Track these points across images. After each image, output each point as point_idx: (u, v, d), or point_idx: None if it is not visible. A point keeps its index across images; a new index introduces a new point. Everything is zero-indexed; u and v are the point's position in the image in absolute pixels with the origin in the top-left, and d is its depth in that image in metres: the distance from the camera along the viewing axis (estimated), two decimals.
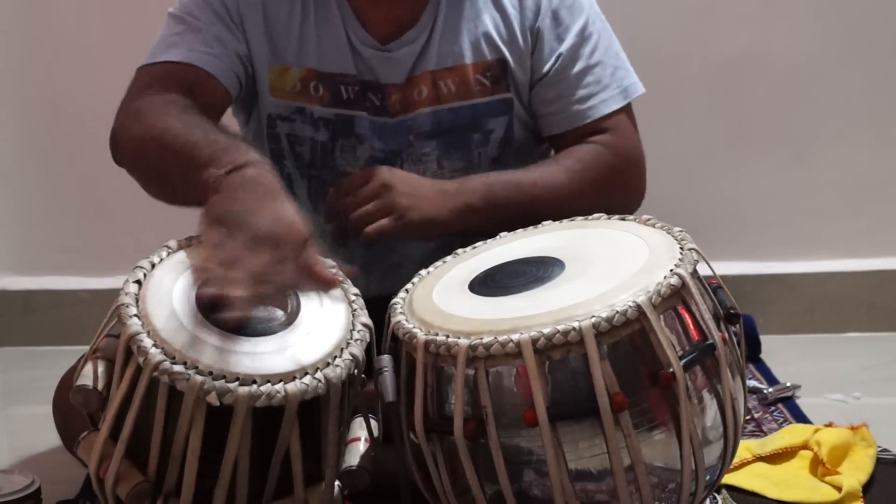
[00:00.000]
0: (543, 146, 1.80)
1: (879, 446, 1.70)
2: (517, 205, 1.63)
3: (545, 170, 1.69)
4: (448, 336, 1.21)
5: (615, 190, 1.70)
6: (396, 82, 1.69)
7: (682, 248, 1.28)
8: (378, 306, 1.35)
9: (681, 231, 1.32)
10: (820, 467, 1.63)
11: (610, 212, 1.43)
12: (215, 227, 1.28)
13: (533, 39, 1.71)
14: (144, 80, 1.62)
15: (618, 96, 1.73)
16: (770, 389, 2.06)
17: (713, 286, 1.31)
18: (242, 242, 1.25)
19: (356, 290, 1.35)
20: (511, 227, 1.46)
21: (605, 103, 1.72)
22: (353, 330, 1.29)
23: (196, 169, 1.38)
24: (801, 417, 1.95)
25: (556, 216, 1.46)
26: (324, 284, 1.31)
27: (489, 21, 1.70)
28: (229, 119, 1.79)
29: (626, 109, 1.75)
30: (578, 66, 1.72)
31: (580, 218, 1.43)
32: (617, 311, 1.17)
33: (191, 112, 1.53)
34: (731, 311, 1.29)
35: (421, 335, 1.23)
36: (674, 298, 1.22)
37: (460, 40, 1.69)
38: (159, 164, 1.48)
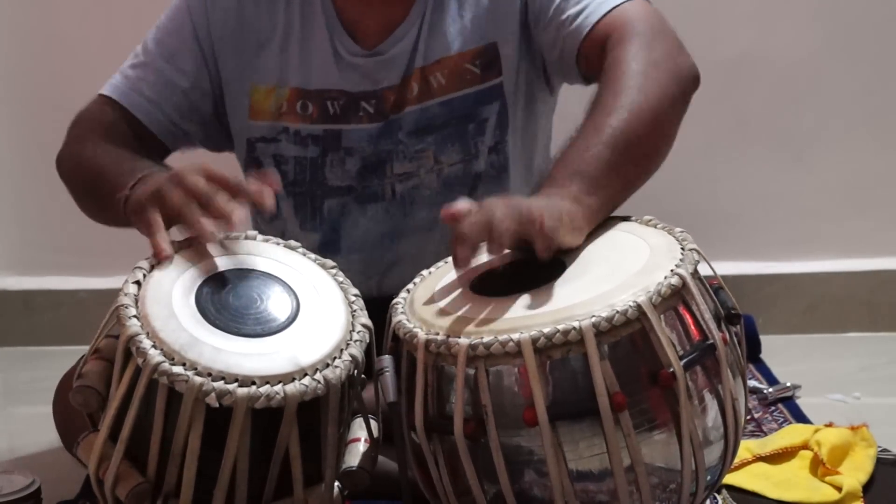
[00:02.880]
0: (541, 126, 1.78)
1: (879, 446, 1.70)
2: (625, 158, 1.38)
3: (601, 108, 1.43)
4: (449, 335, 1.21)
5: (666, 62, 1.49)
6: (392, 84, 1.69)
7: (682, 249, 1.28)
8: (379, 307, 1.35)
9: (682, 231, 1.32)
10: (820, 467, 1.63)
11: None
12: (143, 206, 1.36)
13: (524, 9, 1.67)
14: (92, 107, 1.73)
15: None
16: (770, 389, 2.06)
17: (714, 286, 1.31)
18: (175, 191, 1.33)
19: (356, 291, 1.35)
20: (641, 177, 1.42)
21: (602, 5, 1.59)
22: (353, 331, 1.29)
23: (107, 195, 1.49)
24: (801, 417, 1.95)
25: (662, 133, 1.44)
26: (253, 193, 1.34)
27: (477, 4, 1.68)
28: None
29: (639, 2, 1.59)
30: None
31: None
32: (617, 311, 1.17)
33: (112, 139, 1.65)
34: (732, 312, 1.29)
35: (421, 334, 1.23)
36: (674, 298, 1.22)
37: (448, 31, 1.68)
38: (82, 188, 1.64)
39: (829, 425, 1.74)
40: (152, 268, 1.29)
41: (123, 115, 1.69)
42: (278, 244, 1.37)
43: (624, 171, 1.38)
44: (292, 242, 1.39)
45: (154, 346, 1.19)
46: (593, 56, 1.58)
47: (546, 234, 1.25)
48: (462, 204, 1.30)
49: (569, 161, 1.37)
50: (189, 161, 1.42)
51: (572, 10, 1.61)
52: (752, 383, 2.10)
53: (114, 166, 1.55)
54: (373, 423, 1.31)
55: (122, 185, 1.45)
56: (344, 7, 1.69)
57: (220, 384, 1.17)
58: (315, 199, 1.73)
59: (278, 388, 1.19)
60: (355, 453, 1.29)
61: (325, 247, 1.72)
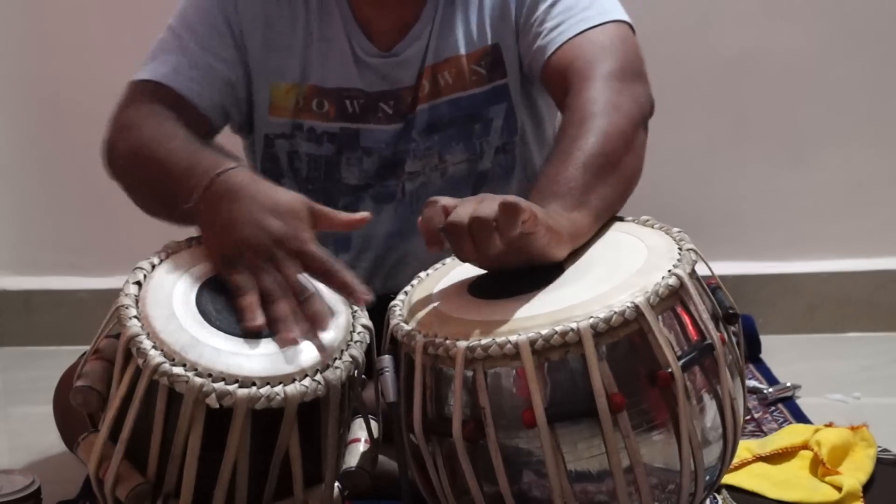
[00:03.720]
0: (542, 129, 1.78)
1: (879, 446, 1.70)
2: (598, 179, 1.39)
3: (568, 135, 1.45)
4: (446, 338, 1.21)
5: (630, 89, 1.52)
6: (409, 84, 1.70)
7: (680, 249, 1.28)
8: (379, 306, 1.35)
9: (679, 232, 1.32)
10: (820, 467, 1.63)
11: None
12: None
13: (518, 13, 1.68)
14: (133, 94, 1.64)
15: (596, 16, 1.61)
16: (770, 389, 2.06)
17: (712, 286, 1.31)
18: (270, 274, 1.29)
19: None
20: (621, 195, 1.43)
21: (582, 22, 1.61)
22: (353, 332, 1.29)
23: (175, 181, 1.41)
24: (801, 417, 1.95)
25: (630, 154, 1.45)
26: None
27: (481, 6, 1.69)
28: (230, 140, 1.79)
29: (612, 27, 1.61)
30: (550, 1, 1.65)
31: None
32: (615, 312, 1.17)
33: (170, 122, 1.55)
34: (730, 312, 1.29)
35: (419, 337, 1.23)
36: (672, 299, 1.22)
37: (455, 31, 1.69)
38: (144, 177, 1.51)
39: (829, 425, 1.74)
40: (153, 268, 1.29)
41: (169, 97, 1.63)
42: None
43: (598, 192, 1.38)
44: None
45: (154, 347, 1.19)
46: (556, 76, 1.60)
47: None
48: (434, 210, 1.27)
49: (542, 187, 1.37)
50: None
51: (548, 24, 1.63)
52: (752, 383, 2.10)
53: (181, 160, 1.45)
54: (373, 424, 1.31)
55: (190, 171, 1.40)
56: (358, 7, 1.70)
57: (220, 385, 1.17)
58: (330, 197, 1.73)
59: (278, 388, 1.19)
60: (355, 453, 1.29)
61: (337, 244, 1.73)
